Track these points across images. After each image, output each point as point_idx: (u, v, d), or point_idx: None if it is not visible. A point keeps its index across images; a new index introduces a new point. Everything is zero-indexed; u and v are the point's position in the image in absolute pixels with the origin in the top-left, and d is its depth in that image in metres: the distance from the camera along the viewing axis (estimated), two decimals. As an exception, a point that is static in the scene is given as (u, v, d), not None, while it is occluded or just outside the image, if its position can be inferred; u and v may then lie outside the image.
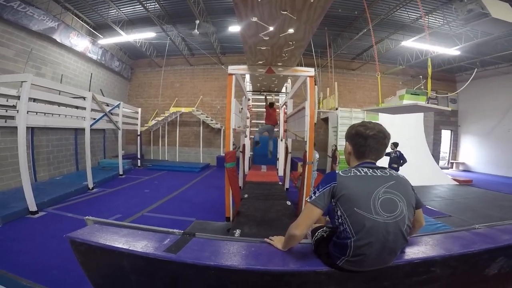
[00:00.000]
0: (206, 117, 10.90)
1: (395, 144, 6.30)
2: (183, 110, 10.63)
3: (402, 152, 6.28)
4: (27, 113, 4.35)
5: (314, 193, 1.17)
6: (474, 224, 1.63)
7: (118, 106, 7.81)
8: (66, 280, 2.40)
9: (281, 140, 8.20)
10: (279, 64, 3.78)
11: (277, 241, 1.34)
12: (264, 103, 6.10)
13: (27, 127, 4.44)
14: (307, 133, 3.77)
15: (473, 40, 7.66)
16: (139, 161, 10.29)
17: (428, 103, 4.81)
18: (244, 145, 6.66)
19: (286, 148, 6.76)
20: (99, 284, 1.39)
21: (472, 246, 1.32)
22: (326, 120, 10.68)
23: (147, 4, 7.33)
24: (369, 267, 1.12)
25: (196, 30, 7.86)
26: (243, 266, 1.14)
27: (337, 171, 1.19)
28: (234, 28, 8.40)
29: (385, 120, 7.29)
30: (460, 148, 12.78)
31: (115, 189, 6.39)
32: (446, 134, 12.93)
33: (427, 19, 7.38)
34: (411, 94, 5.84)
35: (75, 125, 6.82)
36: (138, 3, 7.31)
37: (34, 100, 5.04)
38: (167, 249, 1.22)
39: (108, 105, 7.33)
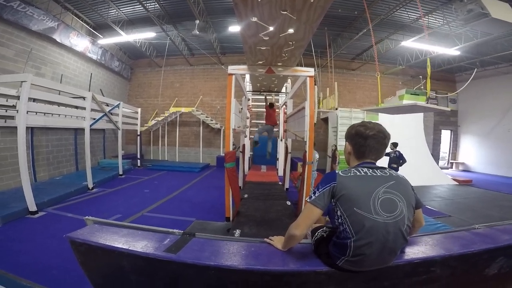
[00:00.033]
0: (206, 117, 10.90)
1: (395, 144, 6.31)
2: (183, 110, 10.63)
3: (401, 152, 6.28)
4: (27, 113, 4.34)
5: (314, 193, 1.17)
6: (474, 224, 1.63)
7: (118, 106, 7.81)
8: (66, 280, 2.40)
9: (281, 140, 8.20)
10: (279, 64, 3.78)
11: (277, 241, 1.34)
12: (264, 103, 6.10)
13: (27, 127, 4.43)
14: (307, 133, 3.77)
15: (473, 40, 7.67)
16: (139, 161, 10.29)
17: (427, 103, 4.81)
18: (244, 145, 6.66)
19: (286, 148, 6.76)
20: (99, 284, 1.39)
21: (472, 246, 1.32)
22: (326, 120, 10.68)
23: (147, 4, 7.33)
24: (369, 267, 1.12)
25: (196, 30, 7.86)
26: (243, 266, 1.14)
27: (337, 171, 1.19)
28: (234, 28, 8.40)
29: (385, 120, 7.29)
30: (460, 148, 12.79)
31: (115, 189, 6.38)
32: (446, 134, 12.94)
33: (426, 19, 7.39)
34: (411, 94, 5.83)
35: (75, 125, 6.83)
36: (138, 3, 7.31)
37: (34, 100, 5.04)
38: (167, 249, 1.22)
39: (108, 105, 7.33)
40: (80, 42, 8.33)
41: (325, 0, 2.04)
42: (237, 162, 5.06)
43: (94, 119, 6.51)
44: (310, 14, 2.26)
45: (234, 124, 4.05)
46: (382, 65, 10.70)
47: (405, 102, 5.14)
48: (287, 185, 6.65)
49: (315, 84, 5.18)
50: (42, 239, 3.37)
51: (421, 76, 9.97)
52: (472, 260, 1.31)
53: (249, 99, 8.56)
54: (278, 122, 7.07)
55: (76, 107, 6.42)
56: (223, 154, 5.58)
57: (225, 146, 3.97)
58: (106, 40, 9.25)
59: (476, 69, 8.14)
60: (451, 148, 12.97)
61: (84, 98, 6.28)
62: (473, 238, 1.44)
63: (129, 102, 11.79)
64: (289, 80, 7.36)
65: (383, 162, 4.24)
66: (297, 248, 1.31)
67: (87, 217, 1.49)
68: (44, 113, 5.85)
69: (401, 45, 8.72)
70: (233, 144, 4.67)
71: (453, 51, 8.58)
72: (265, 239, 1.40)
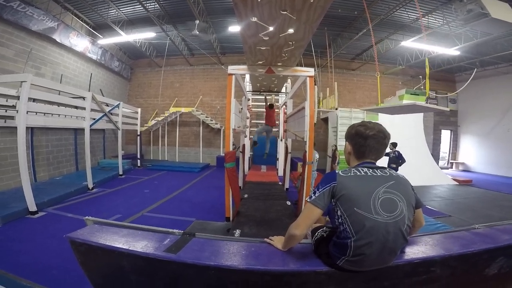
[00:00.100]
0: (206, 117, 10.91)
1: (394, 144, 6.31)
2: (183, 110, 10.63)
3: (400, 152, 6.28)
4: (27, 113, 4.35)
5: (314, 193, 1.17)
6: (474, 224, 1.63)
7: (117, 106, 7.81)
8: (66, 280, 2.40)
9: (281, 140, 8.20)
10: (279, 64, 3.77)
11: (277, 241, 1.34)
12: (264, 104, 6.11)
13: (26, 127, 4.43)
14: (307, 133, 3.77)
15: (473, 40, 7.67)
16: (138, 161, 10.28)
17: (427, 103, 4.82)
18: (244, 145, 6.66)
19: (286, 148, 6.76)
20: (99, 284, 1.39)
21: (472, 246, 1.32)
22: (326, 120, 10.68)
23: (147, 4, 7.33)
24: (369, 267, 1.12)
25: (196, 31, 7.86)
26: (243, 266, 1.14)
27: (337, 171, 1.19)
28: (234, 28, 8.40)
29: (385, 120, 7.29)
30: (460, 148, 12.79)
31: (115, 189, 6.38)
32: (445, 134, 12.94)
33: (426, 19, 7.40)
34: (411, 94, 5.84)
35: (74, 125, 6.83)
36: (138, 3, 7.31)
37: (34, 100, 5.04)
38: (167, 249, 1.22)
39: (107, 105, 7.33)
40: (80, 42, 8.33)
41: (325, 0, 2.04)
42: (237, 162, 5.06)
43: (94, 119, 6.51)
44: (310, 14, 2.25)
45: (234, 124, 4.04)
46: (382, 65, 10.71)
47: (405, 102, 5.15)
48: (287, 185, 6.65)
49: (315, 84, 5.18)
50: (42, 239, 3.37)
51: (421, 76, 9.99)
52: (472, 260, 1.31)
53: (249, 99, 8.56)
54: (277, 122, 7.07)
55: (76, 107, 6.42)
56: (223, 154, 5.59)
57: (225, 146, 3.97)
58: (106, 40, 9.24)
59: (476, 69, 8.15)
60: (451, 148, 12.97)
61: (84, 98, 6.28)
62: (473, 238, 1.44)
63: (129, 102, 11.79)
64: (289, 80, 7.36)
65: (383, 162, 4.24)
66: (297, 248, 1.31)
67: (87, 217, 1.49)
68: (44, 113, 5.84)
69: (401, 45, 8.72)
70: (233, 144, 4.67)
71: (453, 51, 8.58)
72: (265, 239, 1.40)
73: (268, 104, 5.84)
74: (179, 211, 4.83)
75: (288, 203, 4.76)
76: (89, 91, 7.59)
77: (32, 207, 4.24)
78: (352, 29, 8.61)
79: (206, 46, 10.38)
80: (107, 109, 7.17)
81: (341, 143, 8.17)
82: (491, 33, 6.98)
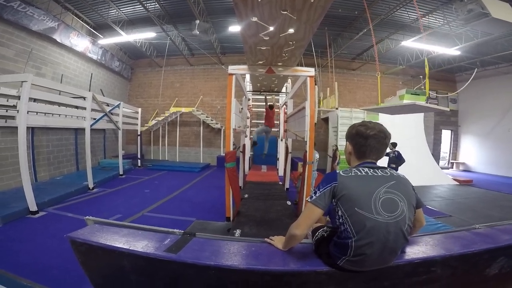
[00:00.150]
0: (206, 117, 10.91)
1: (394, 144, 6.31)
2: (183, 110, 10.63)
3: (400, 152, 6.28)
4: (27, 113, 4.35)
5: (315, 193, 1.17)
6: (474, 224, 1.63)
7: (118, 106, 7.81)
8: (66, 280, 2.40)
9: (281, 140, 8.19)
10: (279, 64, 3.77)
11: (278, 241, 1.34)
12: (264, 104, 6.11)
13: (27, 127, 4.44)
14: (307, 133, 3.77)
15: (473, 40, 7.66)
16: (139, 161, 10.28)
17: (427, 103, 4.81)
18: (244, 145, 6.66)
19: (286, 148, 6.76)
20: (99, 284, 1.39)
21: (472, 246, 1.32)
22: (326, 120, 10.67)
23: (147, 4, 7.33)
24: (369, 267, 1.12)
25: (196, 30, 7.85)
26: (243, 266, 1.14)
27: (337, 171, 1.19)
28: (234, 28, 8.39)
29: (385, 120, 7.27)
30: (460, 148, 12.78)
31: (115, 189, 6.38)
32: (446, 134, 12.93)
33: (427, 19, 7.39)
34: (411, 94, 5.85)
35: (75, 125, 6.83)
36: (138, 3, 7.32)
37: (34, 100, 5.04)
38: (168, 249, 1.22)
39: (108, 105, 7.32)
40: (80, 42, 8.33)
41: (326, 0, 2.03)
42: (238, 162, 5.06)
43: (95, 119, 6.51)
44: (310, 14, 2.25)
45: (235, 124, 4.04)
46: (382, 65, 10.69)
47: (406, 101, 5.15)
48: (287, 185, 6.65)
49: (315, 84, 5.18)
50: (43, 239, 3.37)
51: (421, 76, 9.98)
52: (472, 260, 1.31)
53: (249, 99, 8.55)
54: (277, 122, 7.07)
55: (77, 107, 6.43)
56: (224, 154, 5.59)
57: (225, 146, 3.97)
58: (106, 40, 9.25)
59: (476, 69, 8.13)
60: (451, 148, 12.96)
61: (84, 98, 6.28)
62: (473, 238, 1.44)
63: (130, 102, 11.79)
64: (289, 80, 7.35)
65: (383, 162, 4.24)
66: (298, 248, 1.31)
67: (87, 217, 1.49)
68: (45, 113, 5.85)
69: (401, 45, 8.71)
70: (234, 144, 4.67)
71: (453, 51, 8.57)
72: (266, 239, 1.40)
73: (268, 104, 5.84)
74: (180, 211, 4.83)
75: (289, 203, 4.76)
76: (89, 91, 7.59)
77: (33, 207, 4.24)
78: (353, 29, 8.60)
79: (206, 46, 10.37)
80: (108, 109, 7.18)
81: (342, 143, 8.16)
82: (492, 33, 6.97)
